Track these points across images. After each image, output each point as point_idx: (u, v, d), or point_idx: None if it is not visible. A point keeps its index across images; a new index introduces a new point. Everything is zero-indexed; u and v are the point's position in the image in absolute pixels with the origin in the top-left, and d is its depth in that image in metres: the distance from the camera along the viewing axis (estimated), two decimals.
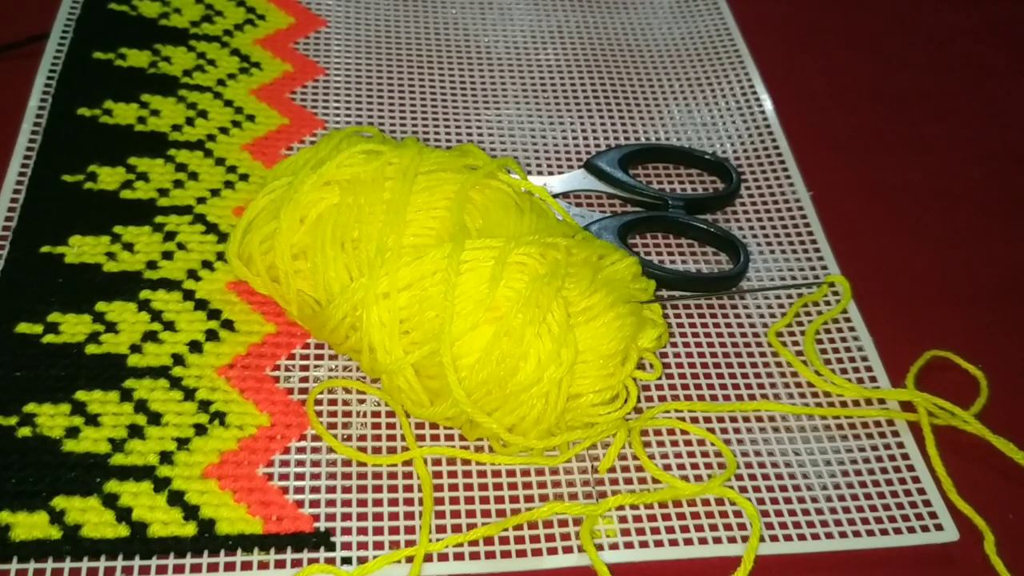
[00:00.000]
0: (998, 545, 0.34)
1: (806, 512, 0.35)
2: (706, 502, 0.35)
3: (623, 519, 0.34)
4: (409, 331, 0.34)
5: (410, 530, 0.33)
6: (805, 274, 0.43)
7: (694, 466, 0.36)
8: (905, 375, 0.39)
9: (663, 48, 0.54)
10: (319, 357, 0.37)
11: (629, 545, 0.33)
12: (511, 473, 0.35)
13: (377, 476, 0.34)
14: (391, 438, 0.35)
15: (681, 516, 0.34)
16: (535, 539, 0.33)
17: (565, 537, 0.33)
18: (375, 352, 0.34)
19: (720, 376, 0.39)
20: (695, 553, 0.33)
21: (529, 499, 0.34)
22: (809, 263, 0.44)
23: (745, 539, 0.34)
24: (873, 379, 0.39)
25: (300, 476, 0.34)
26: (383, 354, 0.34)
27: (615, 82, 0.51)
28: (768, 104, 0.51)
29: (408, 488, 0.34)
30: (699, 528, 0.34)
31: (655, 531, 0.34)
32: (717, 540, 0.34)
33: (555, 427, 0.35)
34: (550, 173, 0.46)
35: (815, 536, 0.34)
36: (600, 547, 0.33)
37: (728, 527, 0.34)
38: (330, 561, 0.32)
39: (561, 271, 0.34)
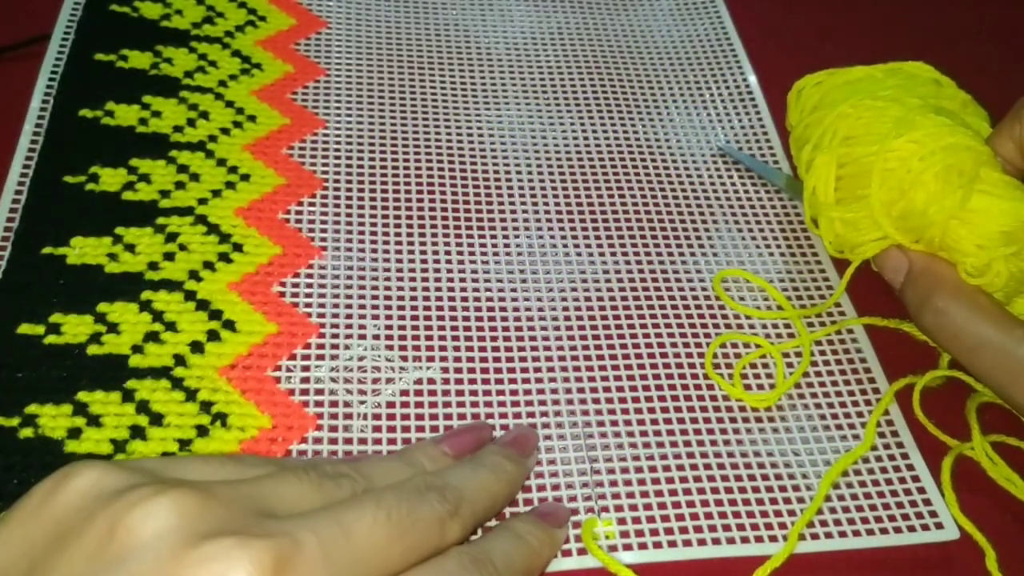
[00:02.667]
0: (996, 547, 0.35)
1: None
2: (705, 503, 0.35)
3: (622, 521, 0.34)
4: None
5: None
6: (804, 275, 0.43)
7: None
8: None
9: (662, 50, 0.54)
10: (320, 357, 0.37)
11: (628, 547, 0.34)
12: None
13: None
14: (391, 441, 0.35)
15: (680, 517, 0.34)
16: None
17: (564, 540, 0.33)
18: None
19: None
20: (695, 555, 0.34)
21: (528, 502, 0.34)
22: (807, 265, 0.44)
23: (745, 540, 0.34)
24: (869, 375, 0.40)
25: None
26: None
27: (615, 83, 0.52)
28: (765, 107, 0.51)
29: None
30: (698, 529, 0.34)
31: (654, 532, 0.34)
32: (716, 541, 0.34)
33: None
34: (550, 173, 0.46)
35: (814, 536, 0.34)
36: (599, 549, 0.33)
37: (727, 528, 0.34)
38: None
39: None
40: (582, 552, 0.33)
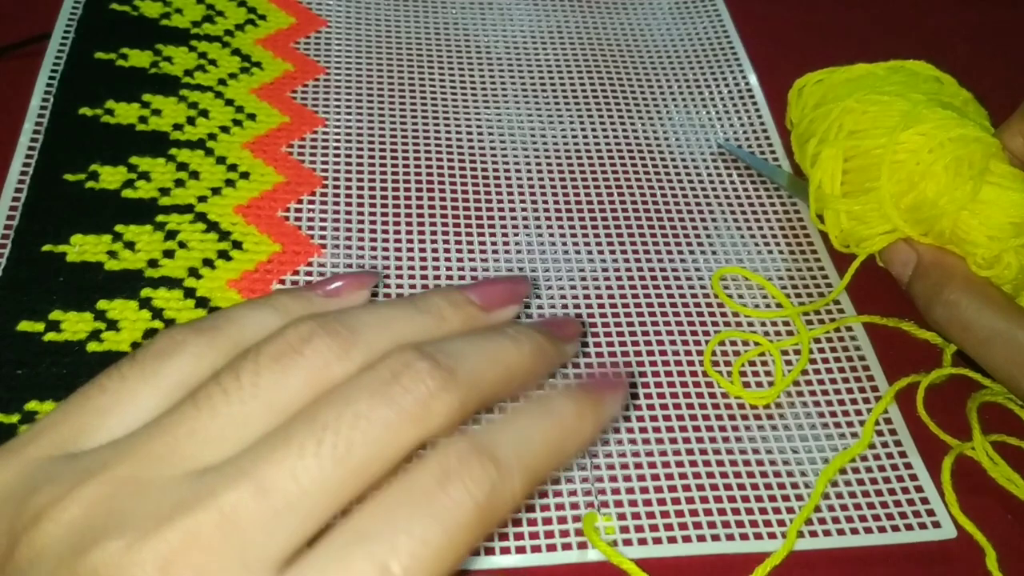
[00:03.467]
0: (995, 547, 0.35)
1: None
2: (704, 499, 0.35)
3: (622, 516, 0.34)
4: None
5: None
6: (803, 274, 0.43)
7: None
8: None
9: (662, 49, 0.54)
10: None
11: (628, 543, 0.34)
12: None
13: None
14: None
15: (680, 514, 0.35)
16: (534, 535, 0.33)
17: (564, 534, 0.33)
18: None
19: None
20: (693, 551, 0.34)
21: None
22: (807, 263, 0.44)
23: (744, 537, 0.34)
24: (870, 374, 0.40)
25: None
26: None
27: (614, 82, 0.52)
28: (764, 105, 0.51)
29: None
30: (697, 526, 0.34)
31: (653, 528, 0.34)
32: (716, 537, 0.34)
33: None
34: (550, 171, 0.46)
35: (812, 533, 0.34)
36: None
37: (727, 524, 0.34)
38: None
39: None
40: (582, 546, 0.33)
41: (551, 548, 0.33)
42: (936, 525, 0.35)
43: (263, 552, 0.18)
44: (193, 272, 0.39)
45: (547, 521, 0.34)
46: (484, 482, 0.20)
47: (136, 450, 0.20)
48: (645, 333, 0.40)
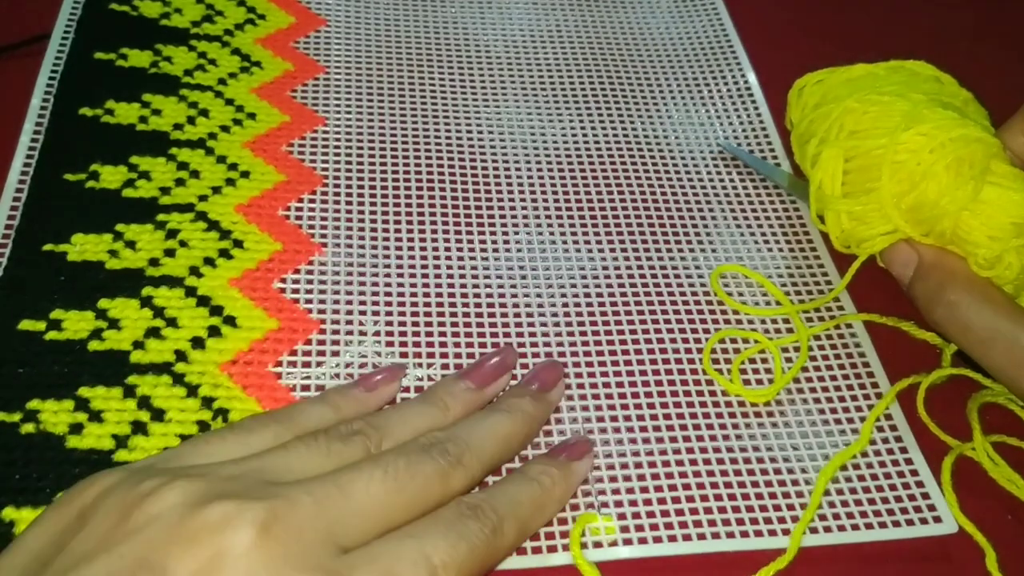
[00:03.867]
0: (995, 547, 0.35)
1: (804, 507, 0.35)
2: (704, 498, 0.35)
3: (622, 516, 0.34)
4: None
5: None
6: (803, 272, 0.44)
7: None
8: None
9: (661, 48, 0.54)
10: (321, 353, 0.37)
11: (628, 542, 0.34)
12: (511, 470, 0.35)
13: None
14: None
15: (680, 512, 0.35)
16: (534, 535, 0.33)
17: (564, 535, 0.33)
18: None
19: None
20: (694, 549, 0.34)
21: None
22: (807, 261, 0.44)
23: (744, 535, 0.34)
24: (871, 375, 0.40)
25: None
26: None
27: (614, 80, 0.52)
28: (764, 104, 0.51)
29: None
30: (698, 524, 0.34)
31: (653, 527, 0.34)
32: (716, 536, 0.34)
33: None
34: (549, 170, 0.46)
35: (813, 530, 0.34)
36: (599, 544, 0.33)
37: (727, 522, 0.34)
38: None
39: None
40: (582, 546, 0.33)
41: (551, 549, 0.33)
42: (937, 520, 0.35)
43: (338, 536, 0.25)
44: (194, 271, 0.39)
45: (547, 521, 0.34)
46: (491, 522, 0.28)
47: (236, 462, 0.27)
48: (645, 331, 0.40)
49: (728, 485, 0.36)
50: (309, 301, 0.39)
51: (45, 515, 0.25)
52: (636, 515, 0.34)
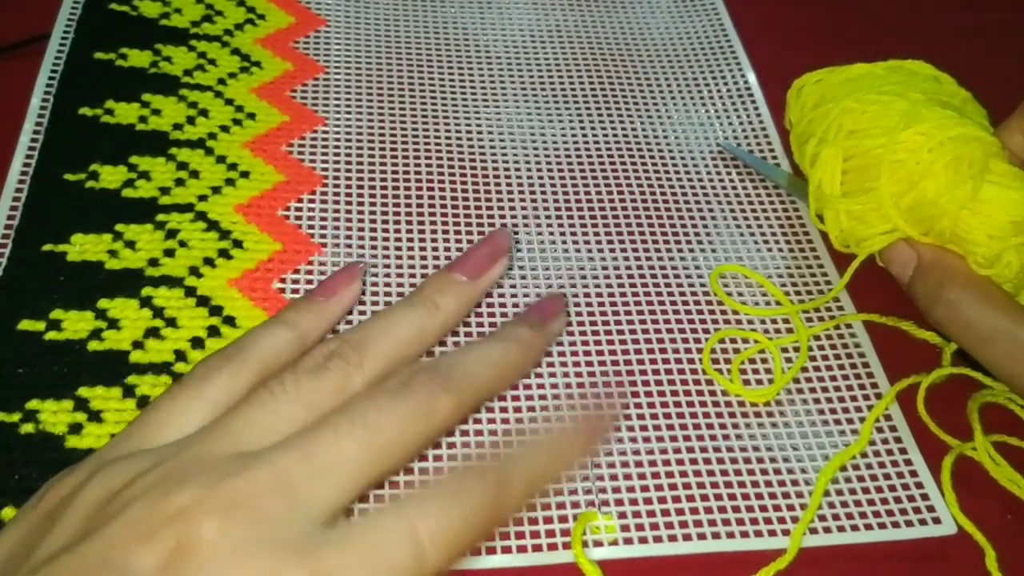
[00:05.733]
0: (995, 547, 0.35)
1: (804, 507, 0.35)
2: (704, 497, 0.35)
3: (622, 515, 0.34)
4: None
5: None
6: (803, 272, 0.44)
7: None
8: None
9: (660, 47, 0.54)
10: None
11: (628, 541, 0.34)
12: None
13: None
14: None
15: (680, 512, 0.35)
16: (535, 535, 0.33)
17: (565, 533, 0.33)
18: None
19: None
20: (694, 549, 0.34)
21: None
22: (806, 261, 0.44)
23: (744, 535, 0.34)
24: (870, 374, 0.40)
25: None
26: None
27: (613, 80, 0.52)
28: (763, 104, 0.51)
29: None
30: (698, 524, 0.34)
31: (654, 527, 0.34)
32: (716, 536, 0.34)
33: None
34: (549, 170, 0.46)
35: (813, 531, 0.34)
36: (599, 544, 0.33)
37: (727, 522, 0.34)
38: None
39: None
40: (566, 547, 0.33)
41: (552, 547, 0.33)
42: (936, 521, 0.35)
43: (308, 506, 0.23)
44: (194, 271, 0.39)
45: (547, 520, 0.34)
46: (493, 478, 0.25)
47: (199, 438, 0.24)
48: (645, 331, 0.40)
49: (728, 485, 0.36)
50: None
51: (16, 518, 0.25)
52: (636, 515, 0.34)
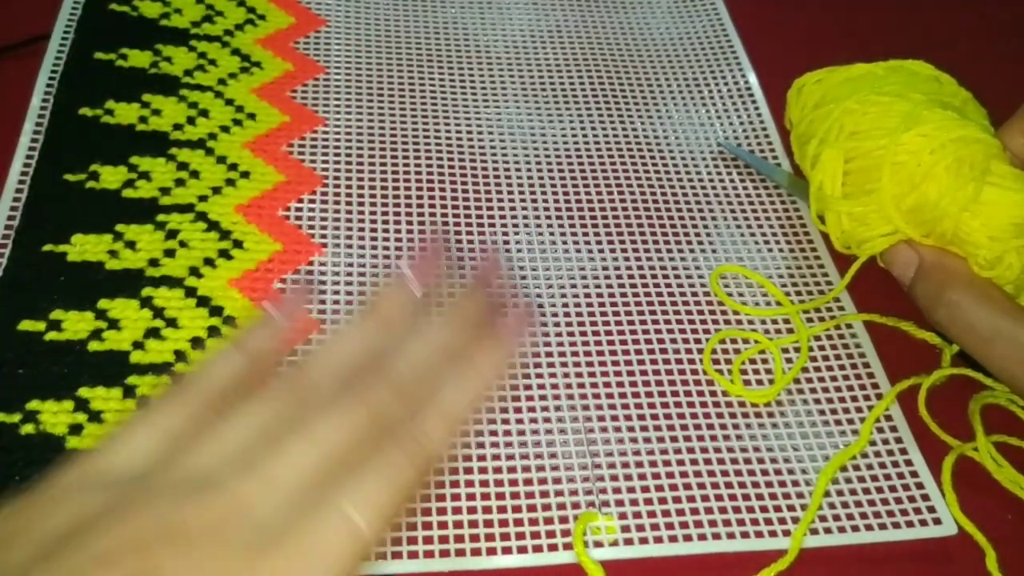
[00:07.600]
0: (995, 547, 0.35)
1: (804, 508, 0.35)
2: (705, 498, 0.35)
3: (623, 515, 0.34)
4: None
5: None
6: (803, 272, 0.44)
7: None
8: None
9: (661, 47, 0.54)
10: None
11: (628, 542, 0.34)
12: (512, 469, 0.35)
13: None
14: None
15: (680, 512, 0.35)
16: (535, 535, 0.33)
17: (565, 533, 0.33)
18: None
19: None
20: (694, 549, 0.34)
21: (529, 495, 0.34)
22: (807, 262, 0.44)
23: (745, 535, 0.34)
24: (871, 375, 0.40)
25: None
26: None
27: (613, 81, 0.52)
28: (764, 104, 0.51)
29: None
30: (698, 524, 0.34)
31: (654, 527, 0.34)
32: (716, 536, 0.34)
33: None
34: (549, 170, 0.46)
35: (813, 531, 0.34)
36: (600, 544, 0.33)
37: (727, 523, 0.34)
38: None
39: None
40: (567, 548, 0.33)
41: (552, 548, 0.33)
42: (937, 522, 0.35)
43: (263, 520, 0.23)
44: (194, 271, 0.39)
45: (548, 521, 0.34)
46: (410, 442, 0.25)
47: (155, 467, 0.25)
48: (645, 331, 0.40)
49: (728, 485, 0.36)
50: (309, 302, 0.39)
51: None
52: (636, 515, 0.34)
